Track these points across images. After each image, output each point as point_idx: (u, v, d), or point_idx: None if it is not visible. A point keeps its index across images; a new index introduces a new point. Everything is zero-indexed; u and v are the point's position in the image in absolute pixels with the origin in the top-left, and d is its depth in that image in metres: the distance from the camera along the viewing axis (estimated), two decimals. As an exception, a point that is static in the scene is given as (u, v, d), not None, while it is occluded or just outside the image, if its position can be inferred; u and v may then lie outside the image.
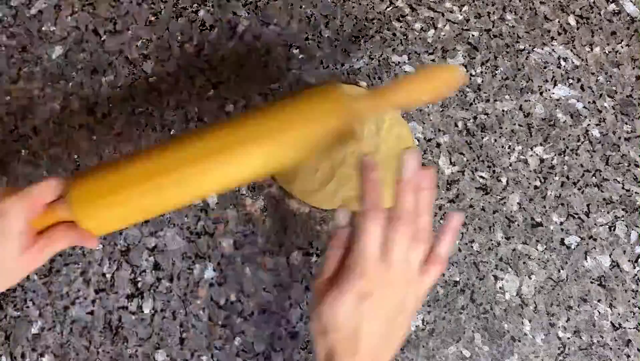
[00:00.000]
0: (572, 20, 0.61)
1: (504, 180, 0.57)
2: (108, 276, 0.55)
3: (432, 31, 0.61)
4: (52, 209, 0.42)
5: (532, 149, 0.58)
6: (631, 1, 0.62)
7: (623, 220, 0.56)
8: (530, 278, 0.55)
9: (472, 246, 0.56)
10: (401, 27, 0.61)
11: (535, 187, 0.57)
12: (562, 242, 0.56)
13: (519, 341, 0.53)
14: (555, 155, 0.58)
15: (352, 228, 0.43)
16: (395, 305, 0.41)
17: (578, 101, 0.59)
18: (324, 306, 0.41)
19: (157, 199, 0.42)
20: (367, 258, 0.40)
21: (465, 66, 0.60)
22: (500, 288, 0.55)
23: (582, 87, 0.60)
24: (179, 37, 0.61)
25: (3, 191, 0.41)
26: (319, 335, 0.41)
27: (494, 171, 0.57)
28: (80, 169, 0.57)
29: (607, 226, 0.56)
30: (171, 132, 0.58)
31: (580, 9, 0.62)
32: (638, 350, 0.53)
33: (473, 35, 0.61)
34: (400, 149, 0.42)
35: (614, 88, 0.60)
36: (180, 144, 0.42)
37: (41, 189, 0.41)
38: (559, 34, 0.61)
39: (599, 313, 0.54)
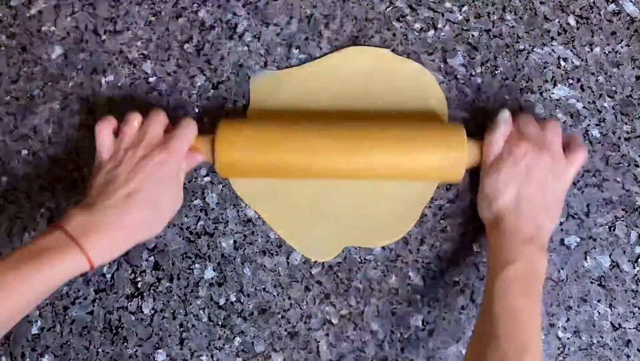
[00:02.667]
0: (572, 20, 0.61)
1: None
2: (108, 276, 0.55)
3: (432, 31, 0.61)
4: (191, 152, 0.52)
5: (532, 149, 0.58)
6: (631, 1, 0.62)
7: (623, 220, 0.56)
8: (530, 278, 0.55)
9: (472, 246, 0.56)
10: (401, 27, 0.61)
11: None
12: (562, 242, 0.56)
13: (519, 341, 0.53)
14: (555, 155, 0.58)
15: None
16: (548, 169, 0.50)
17: (578, 101, 0.59)
18: (486, 179, 0.51)
19: (290, 172, 0.53)
20: (519, 135, 0.51)
21: (465, 66, 0.60)
22: (500, 288, 0.55)
23: (582, 87, 0.60)
24: (179, 37, 0.61)
25: (155, 141, 0.50)
26: (486, 209, 0.51)
27: (494, 171, 0.57)
28: (80, 169, 0.57)
29: (607, 226, 0.56)
30: (171, 132, 0.58)
31: (580, 9, 0.62)
32: (638, 350, 0.53)
33: (473, 35, 0.61)
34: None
35: (614, 88, 0.60)
36: (329, 133, 0.52)
37: (186, 144, 0.51)
38: (559, 34, 0.61)
39: (599, 313, 0.54)
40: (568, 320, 0.54)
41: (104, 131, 0.50)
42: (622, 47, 0.61)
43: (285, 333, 0.54)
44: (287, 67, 0.60)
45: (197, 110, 0.59)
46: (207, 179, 0.57)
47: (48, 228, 0.45)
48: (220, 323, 0.54)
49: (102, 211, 0.45)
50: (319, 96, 0.59)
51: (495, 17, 0.61)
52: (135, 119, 0.51)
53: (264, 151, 0.52)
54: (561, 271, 0.55)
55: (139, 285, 0.55)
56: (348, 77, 0.60)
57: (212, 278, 0.55)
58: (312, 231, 0.56)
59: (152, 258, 0.55)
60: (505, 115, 0.52)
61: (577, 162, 0.51)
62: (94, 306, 0.54)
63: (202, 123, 0.58)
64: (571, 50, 0.60)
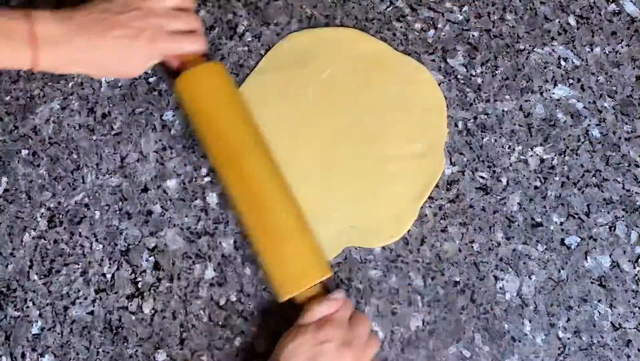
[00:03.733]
0: (572, 20, 0.61)
1: (504, 180, 0.57)
2: (108, 276, 0.55)
3: (432, 31, 0.61)
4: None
5: (532, 149, 0.58)
6: (631, 1, 0.62)
7: (623, 220, 0.56)
8: (530, 278, 0.55)
9: (472, 246, 0.56)
10: (401, 27, 0.61)
11: (536, 187, 0.57)
12: (562, 242, 0.56)
13: (519, 341, 0.53)
14: (555, 155, 0.58)
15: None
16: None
17: (578, 101, 0.59)
18: (283, 338, 0.48)
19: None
20: (335, 322, 0.48)
21: (465, 66, 0.60)
22: (500, 288, 0.55)
23: (582, 87, 0.60)
24: (179, 37, 0.61)
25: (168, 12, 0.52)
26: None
27: (494, 171, 0.57)
28: (80, 169, 0.57)
29: (607, 226, 0.56)
30: (171, 132, 0.58)
31: (580, 9, 0.62)
32: (638, 350, 0.53)
33: (473, 35, 0.61)
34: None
35: (614, 88, 0.60)
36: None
37: (183, 49, 0.54)
38: (559, 34, 0.61)
39: (599, 313, 0.54)
40: (568, 320, 0.54)
41: None
42: (622, 47, 0.61)
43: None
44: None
45: (197, 110, 0.59)
46: (207, 179, 0.57)
47: (18, 12, 0.47)
48: (220, 323, 0.54)
49: (73, 34, 0.48)
50: (313, 70, 0.60)
51: (496, 17, 0.61)
52: (177, 1, 0.54)
53: (209, 113, 0.54)
54: (561, 271, 0.55)
55: (139, 285, 0.55)
56: (346, 60, 0.60)
57: (212, 278, 0.55)
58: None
59: (152, 258, 0.55)
60: (334, 295, 0.50)
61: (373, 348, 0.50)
62: (94, 306, 0.54)
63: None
64: (571, 50, 0.61)
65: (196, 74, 0.54)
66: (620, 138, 0.58)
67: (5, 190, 0.57)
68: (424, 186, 0.57)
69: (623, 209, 0.57)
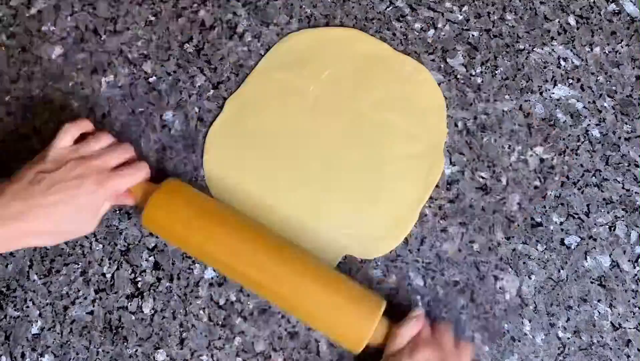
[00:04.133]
0: (572, 20, 0.61)
1: (504, 180, 0.57)
2: (108, 276, 0.55)
3: (432, 31, 0.61)
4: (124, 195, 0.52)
5: (532, 149, 0.58)
6: (631, 1, 0.62)
7: (623, 220, 0.56)
8: (530, 278, 0.55)
9: (472, 246, 0.56)
10: (401, 27, 0.61)
11: (535, 187, 0.57)
12: (562, 242, 0.56)
13: (519, 341, 0.53)
14: (555, 155, 0.58)
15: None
16: None
17: (578, 101, 0.59)
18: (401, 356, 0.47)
19: (204, 259, 0.53)
20: (429, 341, 0.48)
21: (465, 66, 0.60)
22: (500, 288, 0.55)
23: (582, 87, 0.60)
24: (179, 37, 0.61)
25: (100, 169, 0.49)
26: None
27: (494, 171, 0.57)
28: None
29: (607, 226, 0.56)
30: (171, 132, 0.58)
31: (580, 9, 0.62)
32: (638, 350, 0.53)
33: (473, 35, 0.61)
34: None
35: (614, 88, 0.60)
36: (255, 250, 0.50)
37: (125, 186, 0.50)
38: (559, 34, 0.61)
39: (599, 313, 0.54)
40: (568, 319, 0.54)
41: (71, 131, 0.50)
42: (622, 47, 0.61)
43: (285, 333, 0.54)
44: (287, 67, 0.60)
45: (197, 110, 0.59)
46: (207, 180, 0.57)
47: None
48: (220, 323, 0.54)
49: (9, 207, 0.45)
50: (313, 70, 0.59)
51: (495, 17, 0.61)
52: (105, 141, 0.51)
53: (188, 233, 0.51)
54: (561, 271, 0.55)
55: (139, 285, 0.55)
56: (346, 60, 0.60)
57: (212, 278, 0.55)
58: (304, 248, 0.55)
59: (152, 258, 0.55)
60: (416, 313, 0.50)
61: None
62: (94, 306, 0.54)
63: (202, 123, 0.58)
64: (571, 50, 0.61)
65: (159, 200, 0.51)
66: (620, 138, 0.58)
67: (5, 190, 0.57)
68: (423, 188, 0.57)
69: (623, 209, 0.57)
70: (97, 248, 0.55)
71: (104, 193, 0.49)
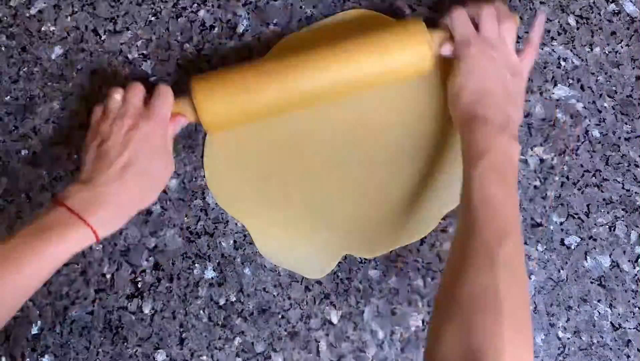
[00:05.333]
0: (572, 20, 0.61)
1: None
2: (108, 276, 0.55)
3: (432, 31, 0.61)
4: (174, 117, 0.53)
5: (532, 149, 0.58)
6: (631, 1, 0.62)
7: (623, 220, 0.56)
8: (530, 278, 0.55)
9: (472, 246, 0.56)
10: (401, 27, 0.61)
11: (535, 187, 0.57)
12: (562, 242, 0.56)
13: (519, 341, 0.53)
14: (555, 155, 0.58)
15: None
16: (502, 66, 0.52)
17: (578, 101, 0.59)
18: (450, 77, 0.53)
19: (271, 109, 0.54)
20: (467, 30, 0.53)
21: (465, 66, 0.60)
22: (500, 288, 0.55)
23: (582, 87, 0.60)
24: (179, 37, 0.61)
25: (138, 111, 0.51)
26: (454, 107, 0.52)
27: (494, 171, 0.57)
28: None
29: (607, 226, 0.56)
30: (171, 132, 0.58)
31: (580, 9, 0.62)
32: (638, 350, 0.53)
33: (473, 35, 0.61)
34: None
35: (614, 88, 0.60)
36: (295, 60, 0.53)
37: (167, 109, 0.52)
38: (559, 34, 0.61)
39: (599, 313, 0.54)
40: (568, 320, 0.54)
41: (97, 110, 0.52)
42: (622, 47, 0.61)
43: (285, 333, 0.54)
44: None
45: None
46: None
47: (49, 205, 0.46)
48: (220, 323, 0.54)
49: (100, 187, 0.47)
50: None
51: (495, 17, 0.61)
52: (117, 93, 0.52)
53: (241, 94, 0.52)
54: (561, 271, 0.55)
55: (139, 285, 0.55)
56: (335, 29, 0.60)
57: (212, 278, 0.55)
58: (304, 248, 0.55)
59: (152, 258, 0.55)
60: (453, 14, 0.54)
61: (528, 61, 0.54)
62: (94, 306, 0.54)
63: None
64: (571, 51, 0.61)
65: (203, 94, 0.52)
66: (620, 138, 0.58)
67: (5, 190, 0.57)
68: (446, 191, 0.56)
69: (623, 209, 0.57)
70: (97, 248, 0.55)
71: (159, 126, 0.51)
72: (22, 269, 0.43)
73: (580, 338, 0.54)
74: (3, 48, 0.61)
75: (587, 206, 0.57)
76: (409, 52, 0.53)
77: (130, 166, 0.48)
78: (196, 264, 0.55)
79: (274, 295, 0.55)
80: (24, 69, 0.60)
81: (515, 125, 0.50)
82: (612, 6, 0.62)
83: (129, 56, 0.60)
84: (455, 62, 0.53)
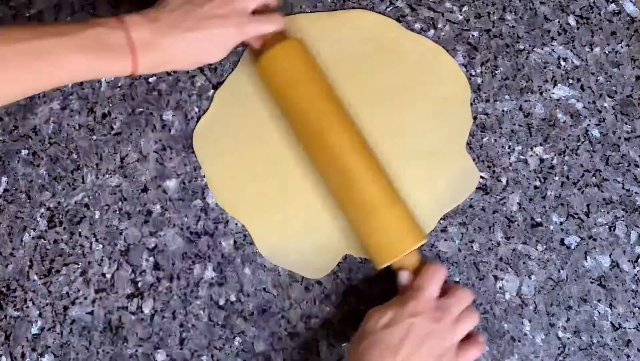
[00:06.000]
0: (572, 20, 0.61)
1: (504, 180, 0.57)
2: (108, 276, 0.55)
3: (432, 31, 0.61)
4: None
5: (532, 149, 0.58)
6: (631, 1, 0.62)
7: (623, 220, 0.56)
8: (530, 278, 0.55)
9: (472, 246, 0.56)
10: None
11: (535, 187, 0.57)
12: (562, 242, 0.56)
13: (519, 341, 0.53)
14: (555, 155, 0.58)
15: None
16: (434, 346, 0.45)
17: (578, 101, 0.59)
18: (382, 310, 0.47)
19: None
20: (426, 293, 0.48)
21: (465, 66, 0.60)
22: (500, 288, 0.55)
23: (582, 87, 0.60)
24: (179, 37, 0.61)
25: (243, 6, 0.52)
26: (371, 335, 0.46)
27: (494, 171, 0.57)
28: (80, 169, 0.57)
29: (607, 226, 0.56)
30: (171, 132, 0.58)
31: (580, 9, 0.62)
32: (638, 350, 0.53)
33: (473, 35, 0.61)
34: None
35: (614, 88, 0.60)
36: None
37: (257, 33, 0.53)
38: (559, 34, 0.61)
39: (599, 313, 0.54)
40: (568, 320, 0.54)
41: None
42: (622, 47, 0.61)
43: (285, 333, 0.54)
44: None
45: (197, 110, 0.59)
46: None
47: (112, 20, 0.47)
48: (220, 323, 0.54)
49: (166, 34, 0.48)
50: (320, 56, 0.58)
51: (495, 17, 0.61)
52: None
53: (300, 86, 0.54)
54: (561, 271, 0.55)
55: (139, 285, 0.55)
56: (352, 41, 0.59)
57: (212, 278, 0.55)
58: (304, 248, 0.55)
59: (152, 258, 0.55)
60: (434, 266, 0.50)
61: (471, 356, 0.48)
62: (94, 306, 0.54)
63: (202, 123, 0.58)
64: (571, 51, 0.61)
65: (279, 52, 0.54)
66: (620, 138, 0.58)
67: (5, 190, 0.57)
68: (447, 193, 0.56)
69: (623, 209, 0.57)
70: (97, 248, 0.55)
71: (240, 35, 0.52)
72: (61, 67, 0.44)
73: (580, 338, 0.54)
74: (3, 48, 0.61)
75: (587, 206, 0.57)
76: (393, 237, 0.51)
77: (199, 31, 0.49)
78: (196, 264, 0.55)
79: (274, 295, 0.55)
80: (24, 69, 0.60)
81: None
82: (612, 6, 0.62)
83: (129, 56, 0.60)
84: (398, 299, 0.48)
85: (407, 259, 0.51)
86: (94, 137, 0.58)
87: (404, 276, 0.50)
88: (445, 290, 0.49)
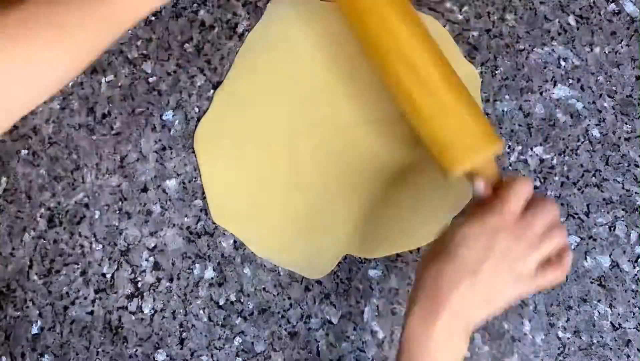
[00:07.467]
0: (572, 20, 0.61)
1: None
2: (108, 276, 0.55)
3: (432, 31, 0.61)
4: None
5: (532, 149, 0.58)
6: (631, 1, 0.62)
7: (623, 220, 0.56)
8: (530, 278, 0.55)
9: (472, 246, 0.56)
10: (401, 27, 0.61)
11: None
12: (562, 242, 0.56)
13: (519, 341, 0.53)
14: (555, 155, 0.58)
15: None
16: (513, 265, 0.42)
17: (578, 101, 0.59)
18: (461, 225, 0.43)
19: None
20: (510, 207, 0.43)
21: (465, 66, 0.60)
22: (500, 288, 0.55)
23: (582, 87, 0.60)
24: (179, 37, 0.61)
25: None
26: (449, 249, 0.43)
27: (494, 171, 0.57)
28: (80, 169, 0.57)
29: (607, 226, 0.56)
30: (171, 132, 0.58)
31: (580, 9, 0.62)
32: (638, 350, 0.53)
33: (473, 35, 0.61)
34: None
35: (614, 88, 0.60)
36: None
37: None
38: (559, 34, 0.61)
39: (599, 313, 0.54)
40: (568, 320, 0.54)
41: None
42: (622, 47, 0.61)
43: (285, 333, 0.54)
44: (287, 67, 0.60)
45: (197, 110, 0.59)
46: (203, 182, 0.57)
47: None
48: (220, 323, 0.54)
49: None
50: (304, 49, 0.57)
51: (495, 17, 0.61)
52: None
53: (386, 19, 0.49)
54: (561, 271, 0.55)
55: (139, 285, 0.55)
56: (344, 34, 0.57)
57: (212, 278, 0.55)
58: (304, 248, 0.55)
59: (152, 258, 0.55)
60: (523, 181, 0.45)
61: (550, 277, 0.44)
62: (94, 306, 0.54)
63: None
64: (571, 50, 0.61)
65: None
66: (620, 138, 0.58)
67: (5, 190, 0.57)
68: (452, 194, 0.56)
69: (623, 209, 0.57)
70: (97, 248, 0.55)
71: None
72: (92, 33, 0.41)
73: (580, 338, 0.54)
74: (3, 48, 0.61)
75: (587, 206, 0.57)
76: (472, 139, 0.46)
77: None
78: (196, 264, 0.55)
79: (274, 295, 0.55)
80: (24, 69, 0.60)
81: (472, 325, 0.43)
82: (612, 6, 0.62)
83: (129, 56, 0.60)
84: (473, 213, 0.44)
85: (486, 167, 0.46)
86: (94, 137, 0.58)
87: (480, 186, 0.46)
88: (529, 203, 0.45)
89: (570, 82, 0.60)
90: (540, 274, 0.43)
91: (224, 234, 0.56)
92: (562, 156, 0.58)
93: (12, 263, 0.55)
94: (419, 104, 0.47)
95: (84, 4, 0.41)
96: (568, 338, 0.54)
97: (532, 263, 0.43)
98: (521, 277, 0.43)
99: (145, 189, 0.57)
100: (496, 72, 0.60)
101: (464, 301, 0.41)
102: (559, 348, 0.54)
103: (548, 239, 0.43)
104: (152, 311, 0.54)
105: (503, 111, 0.59)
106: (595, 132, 0.59)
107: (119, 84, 0.60)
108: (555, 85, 0.60)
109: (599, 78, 0.60)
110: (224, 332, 0.54)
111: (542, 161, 0.58)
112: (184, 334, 0.54)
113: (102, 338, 0.54)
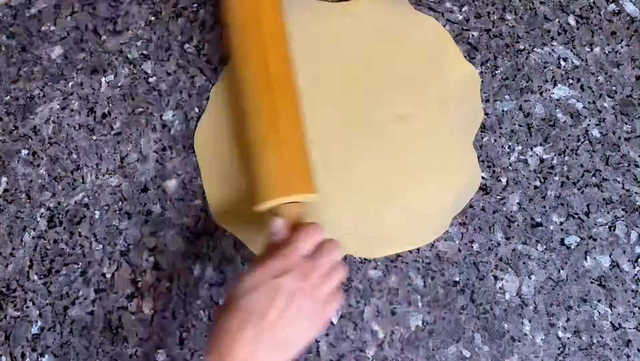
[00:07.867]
0: (572, 20, 0.61)
1: (503, 180, 0.57)
2: (108, 276, 0.55)
3: (432, 31, 0.61)
4: None
5: (532, 149, 0.58)
6: (631, 1, 0.62)
7: (623, 220, 0.56)
8: (530, 278, 0.55)
9: (472, 246, 0.56)
10: (401, 27, 0.61)
11: (535, 187, 0.57)
12: (562, 242, 0.56)
13: (519, 341, 0.53)
14: (555, 155, 0.58)
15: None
16: (303, 303, 0.43)
17: (578, 101, 0.59)
18: (245, 275, 0.44)
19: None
20: (297, 251, 0.45)
21: (465, 66, 0.60)
22: (500, 288, 0.55)
23: (582, 87, 0.60)
24: (179, 37, 0.61)
25: None
26: (236, 299, 0.43)
27: (494, 171, 0.57)
28: (80, 169, 0.57)
29: (607, 226, 0.56)
30: (171, 132, 0.58)
31: (580, 9, 0.62)
32: (638, 350, 0.53)
33: (473, 35, 0.61)
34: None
35: (614, 88, 0.60)
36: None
37: None
38: (559, 34, 0.61)
39: (599, 313, 0.54)
40: (568, 320, 0.54)
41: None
42: (622, 47, 0.61)
43: (285, 333, 0.54)
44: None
45: (197, 110, 0.59)
46: (203, 182, 0.57)
47: None
48: (220, 323, 0.54)
49: None
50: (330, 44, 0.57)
51: (495, 17, 0.61)
52: None
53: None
54: (561, 271, 0.55)
55: (139, 285, 0.55)
56: (359, 29, 0.58)
57: (212, 278, 0.55)
58: None
59: (152, 258, 0.55)
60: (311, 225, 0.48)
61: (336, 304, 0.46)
62: (94, 306, 0.54)
63: (202, 123, 0.58)
64: (571, 50, 0.61)
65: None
66: (620, 138, 0.58)
67: (5, 190, 0.57)
68: (453, 193, 0.56)
69: (623, 209, 0.57)
70: (97, 248, 0.55)
71: None
72: None
73: (580, 338, 0.54)
74: (3, 48, 0.61)
75: (587, 206, 0.57)
76: (282, 179, 0.49)
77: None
78: (196, 264, 0.55)
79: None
80: (24, 69, 0.60)
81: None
82: (612, 6, 0.62)
83: (129, 56, 0.60)
84: (267, 257, 0.45)
85: (288, 208, 0.48)
86: (94, 137, 0.58)
87: (278, 224, 0.47)
88: (318, 247, 0.46)
89: (570, 82, 0.60)
90: (326, 305, 0.45)
91: (224, 234, 0.56)
92: (562, 156, 0.58)
93: (12, 263, 0.55)
94: (265, 138, 0.50)
95: None
96: (568, 338, 0.54)
97: (321, 300, 0.44)
98: (314, 314, 0.44)
99: (145, 189, 0.57)
100: (496, 72, 0.60)
101: (251, 349, 0.41)
102: (559, 348, 0.54)
103: (331, 277, 0.45)
104: (152, 311, 0.54)
105: (503, 111, 0.59)
106: (595, 132, 0.59)
107: (119, 84, 0.60)
108: (555, 85, 0.60)
109: (599, 78, 0.60)
110: (224, 332, 0.54)
111: (542, 161, 0.58)
112: (184, 334, 0.54)
113: (102, 338, 0.54)
